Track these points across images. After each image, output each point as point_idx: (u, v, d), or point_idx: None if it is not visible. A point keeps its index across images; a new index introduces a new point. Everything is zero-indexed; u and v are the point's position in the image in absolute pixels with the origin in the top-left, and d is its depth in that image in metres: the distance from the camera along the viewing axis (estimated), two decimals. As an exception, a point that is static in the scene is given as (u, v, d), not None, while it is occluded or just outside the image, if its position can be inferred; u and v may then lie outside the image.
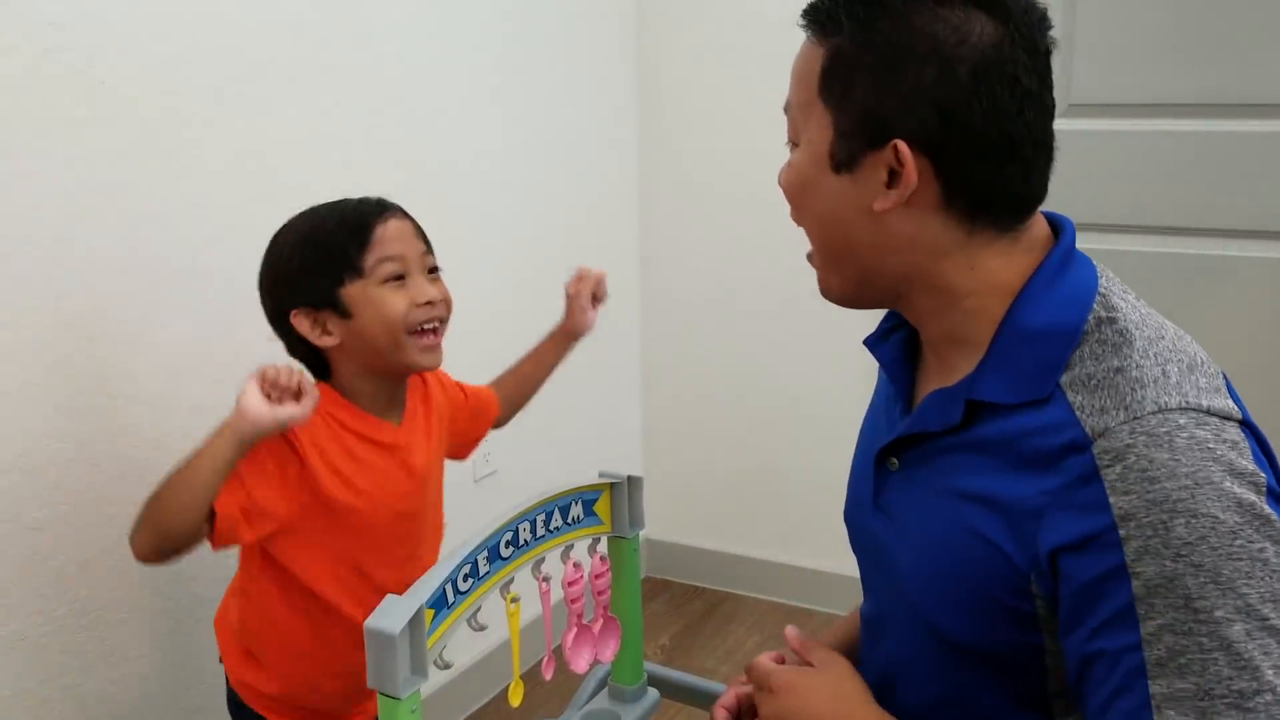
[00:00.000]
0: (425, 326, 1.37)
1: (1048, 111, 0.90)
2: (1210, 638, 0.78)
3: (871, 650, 1.08)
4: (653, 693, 1.30)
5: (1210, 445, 0.81)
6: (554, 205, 2.47)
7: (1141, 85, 2.26)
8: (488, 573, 1.06)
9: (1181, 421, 0.82)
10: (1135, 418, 0.83)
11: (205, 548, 1.30)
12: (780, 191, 0.99)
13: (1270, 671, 0.78)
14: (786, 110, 0.98)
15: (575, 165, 2.54)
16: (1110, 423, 0.83)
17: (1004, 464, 0.89)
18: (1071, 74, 2.28)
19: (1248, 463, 0.82)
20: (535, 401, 2.46)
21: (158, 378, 1.59)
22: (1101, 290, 0.91)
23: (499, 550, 1.08)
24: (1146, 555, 0.80)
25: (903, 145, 0.87)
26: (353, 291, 1.33)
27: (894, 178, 0.89)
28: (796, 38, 1.01)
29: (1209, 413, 0.84)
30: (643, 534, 1.28)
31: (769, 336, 2.70)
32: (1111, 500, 0.81)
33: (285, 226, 1.38)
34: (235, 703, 1.48)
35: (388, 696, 0.95)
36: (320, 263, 1.33)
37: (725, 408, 2.80)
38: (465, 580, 1.03)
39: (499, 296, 2.33)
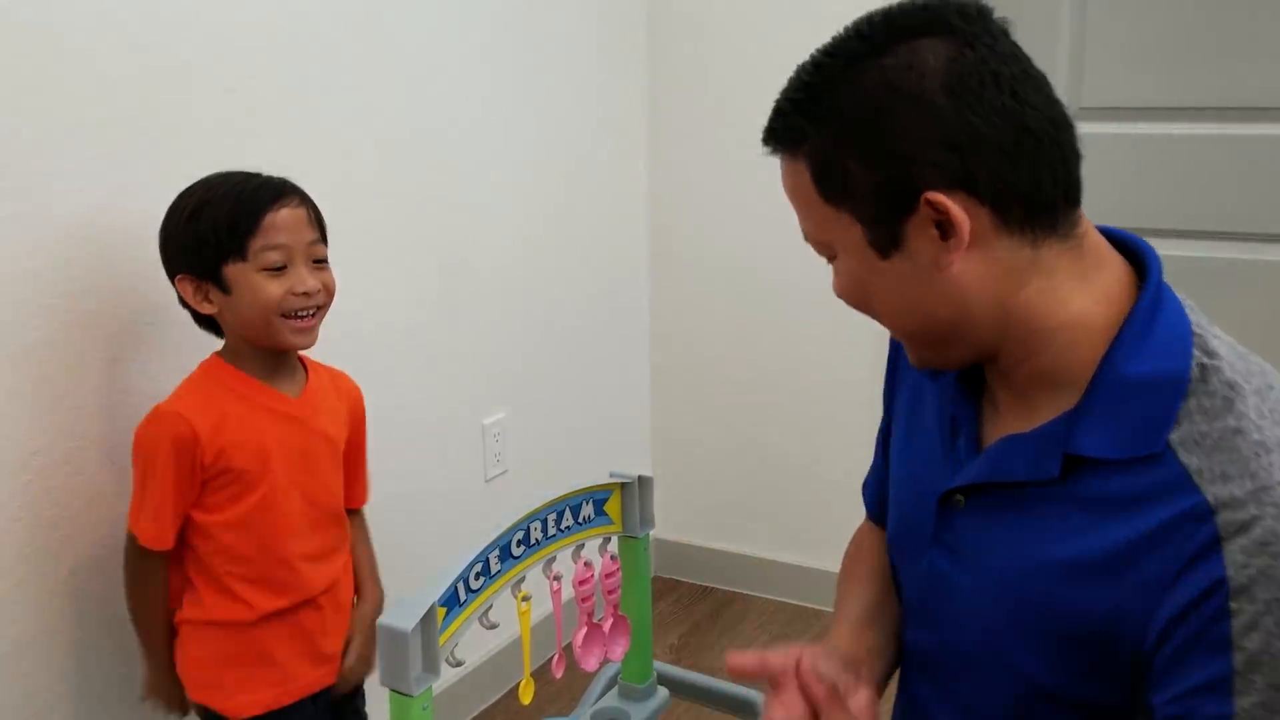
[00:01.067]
0: (299, 314, 1.41)
1: (1043, 83, 0.87)
2: None
3: (929, 686, 1.02)
4: (662, 691, 1.31)
5: None
6: (563, 208, 2.48)
7: (1152, 88, 2.26)
8: (499, 571, 1.07)
9: None
10: (1264, 488, 0.79)
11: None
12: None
13: None
14: (807, 240, 0.95)
15: (584, 168, 2.54)
16: (1236, 492, 0.80)
17: (1110, 524, 0.85)
18: (1082, 77, 2.28)
19: None
20: (546, 402, 2.48)
21: (171, 377, 1.59)
22: (1196, 330, 0.87)
23: (510, 549, 1.08)
24: (1255, 631, 0.78)
25: (936, 195, 0.84)
26: (233, 271, 1.38)
27: (943, 229, 0.85)
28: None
29: None
30: (652, 534, 1.28)
31: (778, 338, 2.70)
32: (1229, 573, 0.79)
33: (189, 189, 1.42)
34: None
35: (400, 694, 0.96)
36: (206, 238, 1.37)
37: (734, 408, 2.80)
38: (477, 579, 1.04)
39: (508, 298, 2.33)
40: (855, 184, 0.86)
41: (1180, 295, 0.91)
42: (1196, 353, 0.85)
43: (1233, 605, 0.78)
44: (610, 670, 1.36)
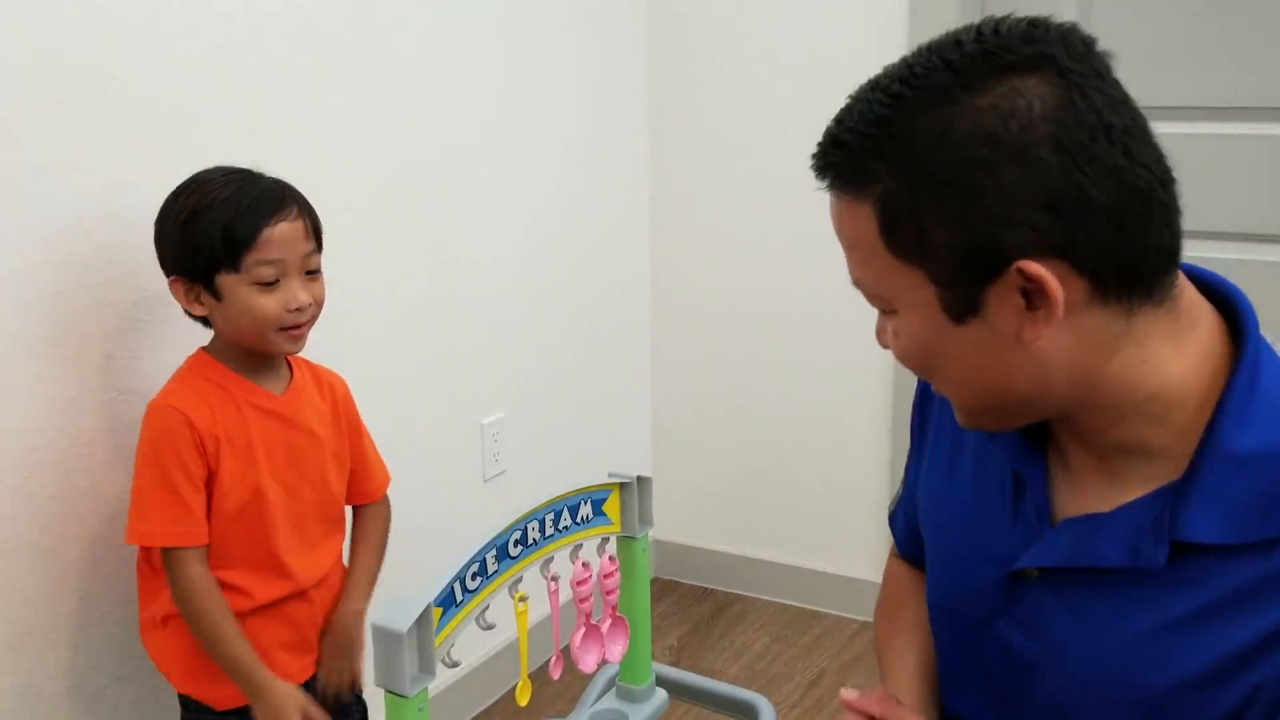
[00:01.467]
0: (290, 327, 1.40)
1: (1149, 132, 0.77)
2: None
3: None
4: (661, 693, 1.30)
5: None
6: (563, 206, 2.47)
7: (1156, 88, 2.25)
8: (496, 571, 1.06)
9: None
10: None
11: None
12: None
13: None
14: (858, 285, 0.84)
15: (585, 166, 2.53)
16: None
17: (1230, 618, 0.78)
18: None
19: None
20: (545, 401, 2.47)
21: (167, 374, 1.58)
22: None
23: (508, 549, 1.07)
24: None
25: (1030, 265, 0.73)
26: (226, 281, 1.37)
27: (1032, 298, 0.75)
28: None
29: None
30: (652, 535, 1.27)
31: (779, 339, 2.69)
32: None
33: (184, 188, 1.40)
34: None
35: (395, 694, 0.95)
36: (200, 247, 1.36)
37: (735, 409, 2.79)
38: (474, 579, 1.03)
39: (508, 297, 2.32)
40: (933, 242, 0.75)
41: (1269, 337, 0.83)
42: None
43: None
44: (608, 671, 1.35)
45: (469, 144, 2.17)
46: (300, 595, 1.49)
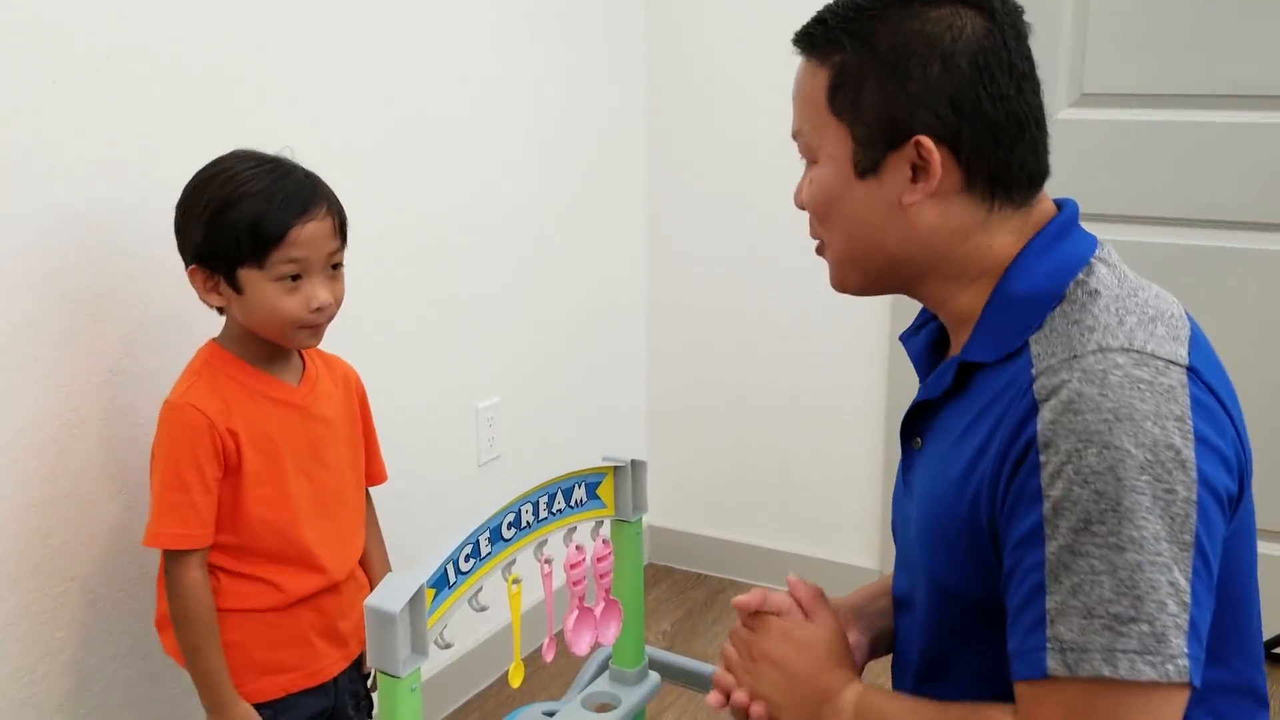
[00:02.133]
0: (310, 324, 1.39)
1: (1038, 86, 0.98)
2: (1101, 561, 0.84)
3: (906, 627, 1.12)
4: (653, 676, 1.30)
5: (1143, 386, 0.86)
6: (562, 193, 2.46)
7: (1154, 75, 2.25)
8: (489, 553, 1.06)
9: (1120, 361, 0.87)
10: (1075, 356, 0.89)
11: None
12: (787, 178, 1.05)
13: (1152, 605, 0.83)
14: (796, 136, 1.04)
15: (583, 153, 2.52)
16: (1053, 362, 0.90)
17: (983, 419, 0.94)
18: (1084, 63, 2.25)
19: (1179, 408, 0.86)
20: (540, 386, 2.47)
21: (159, 356, 1.58)
22: (1094, 259, 0.97)
23: (501, 531, 1.07)
24: (1059, 480, 0.86)
25: (926, 140, 0.94)
26: (249, 276, 1.34)
27: (918, 172, 0.96)
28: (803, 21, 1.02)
29: (1152, 355, 0.88)
30: (646, 521, 1.27)
31: (775, 324, 2.69)
32: (1039, 430, 0.87)
33: (210, 177, 1.36)
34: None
35: (388, 675, 0.95)
36: (226, 240, 1.33)
37: (730, 396, 2.79)
38: (467, 560, 1.03)
39: (503, 282, 2.32)
40: (864, 106, 0.96)
41: (1107, 244, 1.00)
42: (1080, 274, 0.96)
43: (1041, 458, 0.87)
44: (601, 655, 1.35)
45: (465, 129, 2.16)
46: (332, 588, 1.48)
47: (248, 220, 1.32)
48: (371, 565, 1.59)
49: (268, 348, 1.43)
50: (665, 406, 2.88)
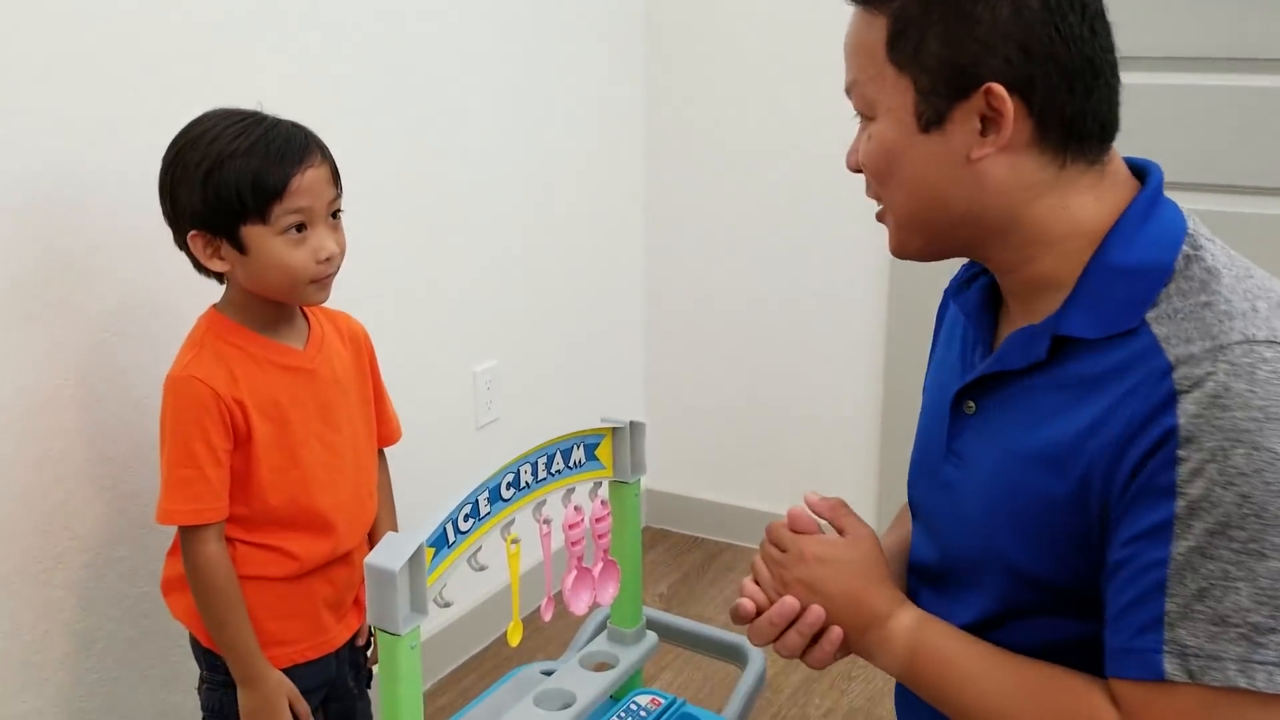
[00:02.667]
0: (321, 278, 1.37)
1: (1111, 30, 0.91)
2: (1239, 567, 0.80)
3: (932, 598, 1.05)
4: (651, 636, 1.31)
5: None
6: (561, 156, 2.45)
7: (1167, 39, 2.23)
8: (489, 513, 1.06)
9: (1267, 355, 0.82)
10: (1220, 346, 0.83)
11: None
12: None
13: None
14: (850, 90, 0.96)
15: (581, 115, 2.51)
16: (1194, 350, 0.83)
17: (1088, 399, 0.88)
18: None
19: None
20: (538, 350, 2.47)
21: (158, 316, 1.58)
22: (1190, 230, 0.91)
23: (500, 491, 1.07)
24: (1199, 477, 0.81)
25: (997, 88, 0.87)
26: (252, 233, 1.32)
27: (987, 124, 0.89)
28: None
29: None
30: (643, 484, 1.27)
31: (773, 289, 2.69)
32: (1181, 422, 0.82)
33: (195, 137, 1.32)
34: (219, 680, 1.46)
35: (387, 633, 0.95)
36: (225, 198, 1.30)
37: (727, 359, 2.80)
38: (466, 520, 1.03)
39: (500, 245, 2.31)
40: (926, 55, 0.89)
41: (1190, 212, 0.94)
42: (1185, 247, 0.89)
43: (1180, 453, 0.81)
44: (599, 615, 1.36)
45: (466, 95, 2.15)
46: (343, 558, 1.47)
47: (248, 175, 1.29)
48: (380, 534, 1.56)
49: (271, 311, 1.40)
50: (662, 370, 2.88)
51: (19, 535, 1.47)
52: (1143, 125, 2.21)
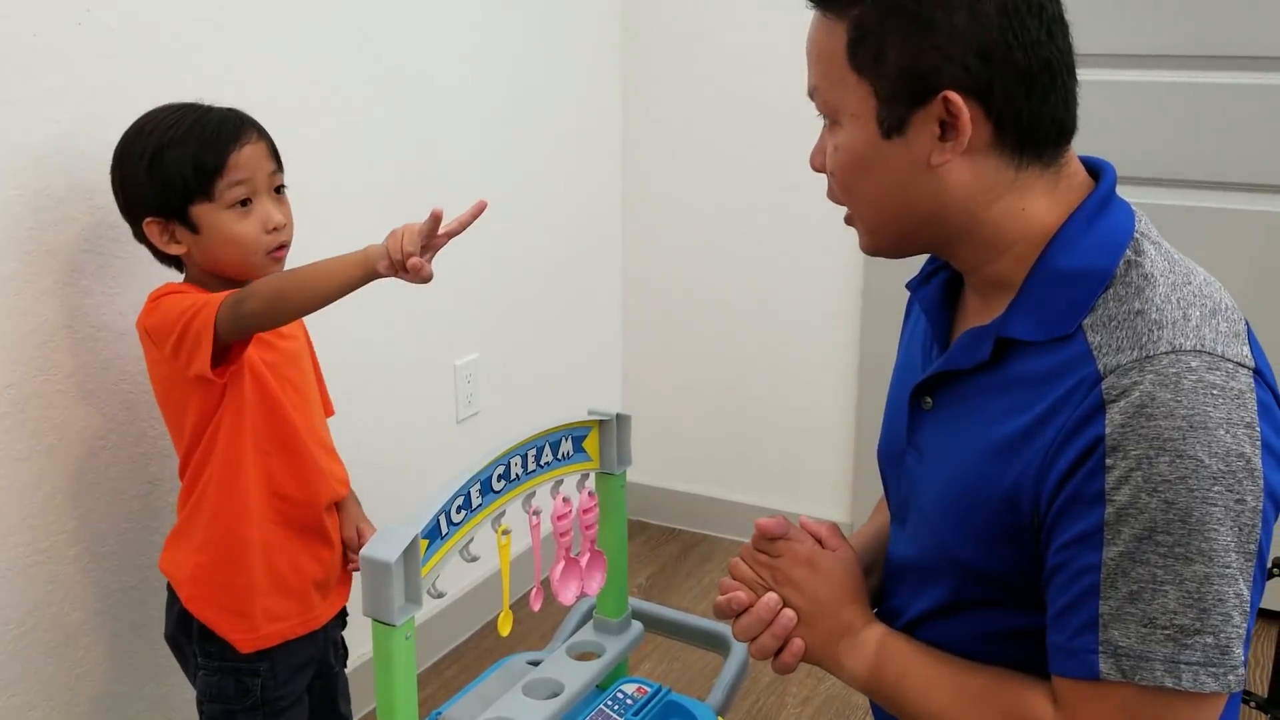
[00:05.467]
0: (274, 249, 1.41)
1: (1068, 30, 0.92)
2: (1166, 571, 0.83)
3: (904, 591, 1.08)
4: (636, 625, 1.33)
5: (1215, 392, 0.83)
6: (536, 148, 2.46)
7: (1131, 36, 2.27)
8: (480, 505, 1.08)
9: (1193, 364, 0.84)
10: (1148, 356, 0.85)
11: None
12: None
13: (1218, 617, 0.82)
14: (813, 94, 0.97)
15: (557, 108, 2.52)
16: (1123, 360, 0.86)
17: (1026, 400, 0.91)
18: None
19: (1249, 414, 0.84)
20: (518, 344, 2.48)
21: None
22: (1137, 234, 0.93)
23: (491, 484, 1.09)
24: (1126, 484, 0.83)
25: (954, 95, 0.88)
26: (201, 211, 1.37)
27: (946, 129, 0.90)
28: None
29: (1223, 358, 0.85)
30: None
31: (749, 283, 2.72)
32: (1107, 431, 0.84)
33: (138, 129, 1.39)
34: (222, 654, 1.47)
35: (383, 624, 0.97)
36: (172, 183, 1.36)
37: (705, 353, 2.82)
38: (458, 512, 1.05)
39: (480, 239, 2.32)
40: (886, 62, 0.90)
41: (1139, 210, 0.96)
42: (1128, 253, 0.91)
43: (1108, 461, 0.84)
44: (586, 604, 1.38)
45: (444, 91, 2.16)
46: (327, 540, 1.51)
47: (188, 156, 1.35)
48: (347, 516, 1.59)
49: (229, 286, 1.40)
50: (640, 363, 2.90)
51: (7, 530, 1.48)
52: (1102, 122, 2.27)
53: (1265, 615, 2.38)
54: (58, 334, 1.50)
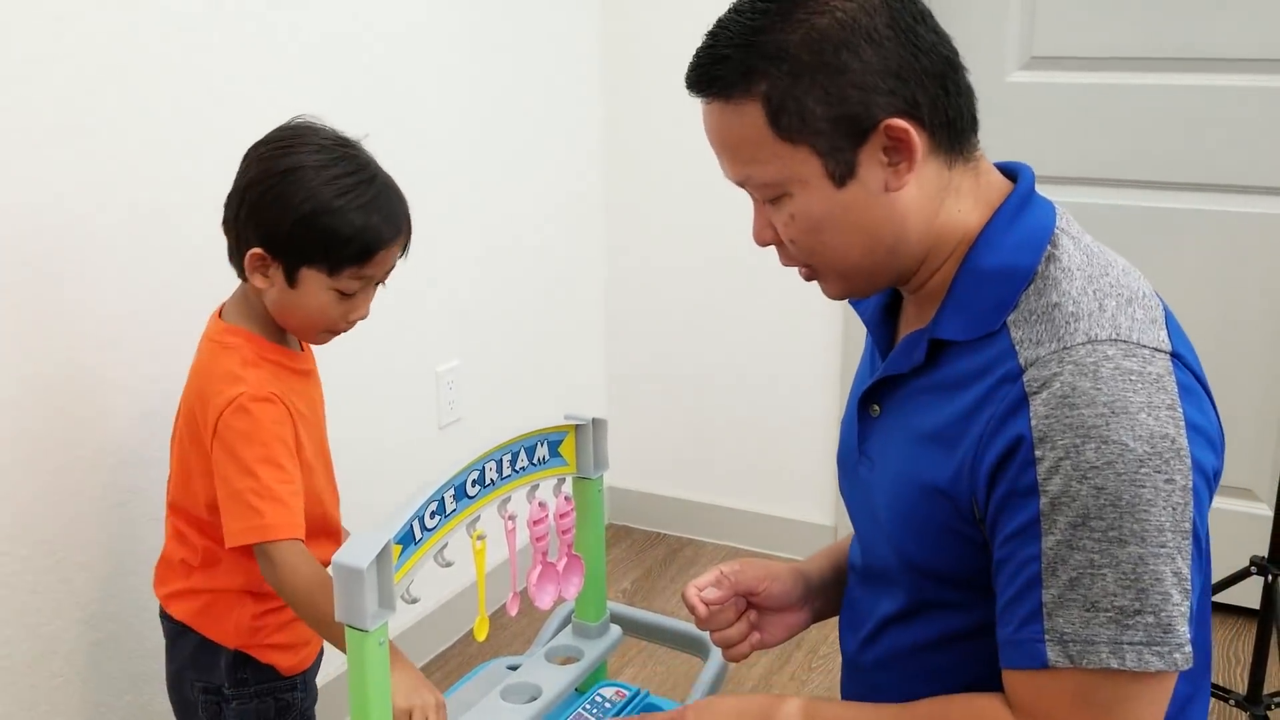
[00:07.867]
0: (339, 331, 1.39)
1: (937, 23, 0.95)
2: (1103, 555, 0.85)
3: (862, 591, 1.11)
4: (615, 629, 1.33)
5: (1134, 377, 0.86)
6: (517, 152, 2.47)
7: (1104, 39, 2.28)
8: (454, 510, 1.08)
9: (1110, 353, 0.87)
10: (1065, 348, 0.88)
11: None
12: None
13: (1157, 597, 0.84)
14: (744, 183, 0.98)
15: (541, 116, 2.53)
16: (1042, 353, 0.88)
17: (957, 398, 0.93)
18: (1034, 27, 2.27)
19: (1169, 396, 0.86)
20: (500, 349, 2.48)
21: (122, 320, 1.58)
22: (1057, 230, 0.95)
23: (465, 489, 1.09)
24: (1056, 475, 0.85)
25: (895, 121, 0.90)
26: (311, 276, 1.31)
27: (890, 154, 0.92)
28: None
29: (1139, 345, 0.88)
30: (605, 481, 1.29)
31: (731, 288, 2.72)
32: (1033, 424, 0.87)
33: (297, 169, 1.29)
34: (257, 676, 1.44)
35: (356, 629, 0.97)
36: (312, 242, 1.29)
37: (687, 357, 2.82)
38: (432, 517, 1.05)
39: (461, 245, 2.32)
40: (814, 119, 0.91)
41: (1060, 207, 0.99)
42: (1049, 249, 0.94)
43: (1036, 454, 0.86)
44: (564, 609, 1.38)
45: (426, 99, 2.16)
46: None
47: (346, 234, 1.29)
48: None
49: (279, 329, 1.39)
50: (623, 369, 2.90)
51: (13, 513, 1.47)
52: (1071, 123, 2.29)
53: (1242, 613, 2.39)
54: (34, 344, 1.49)
